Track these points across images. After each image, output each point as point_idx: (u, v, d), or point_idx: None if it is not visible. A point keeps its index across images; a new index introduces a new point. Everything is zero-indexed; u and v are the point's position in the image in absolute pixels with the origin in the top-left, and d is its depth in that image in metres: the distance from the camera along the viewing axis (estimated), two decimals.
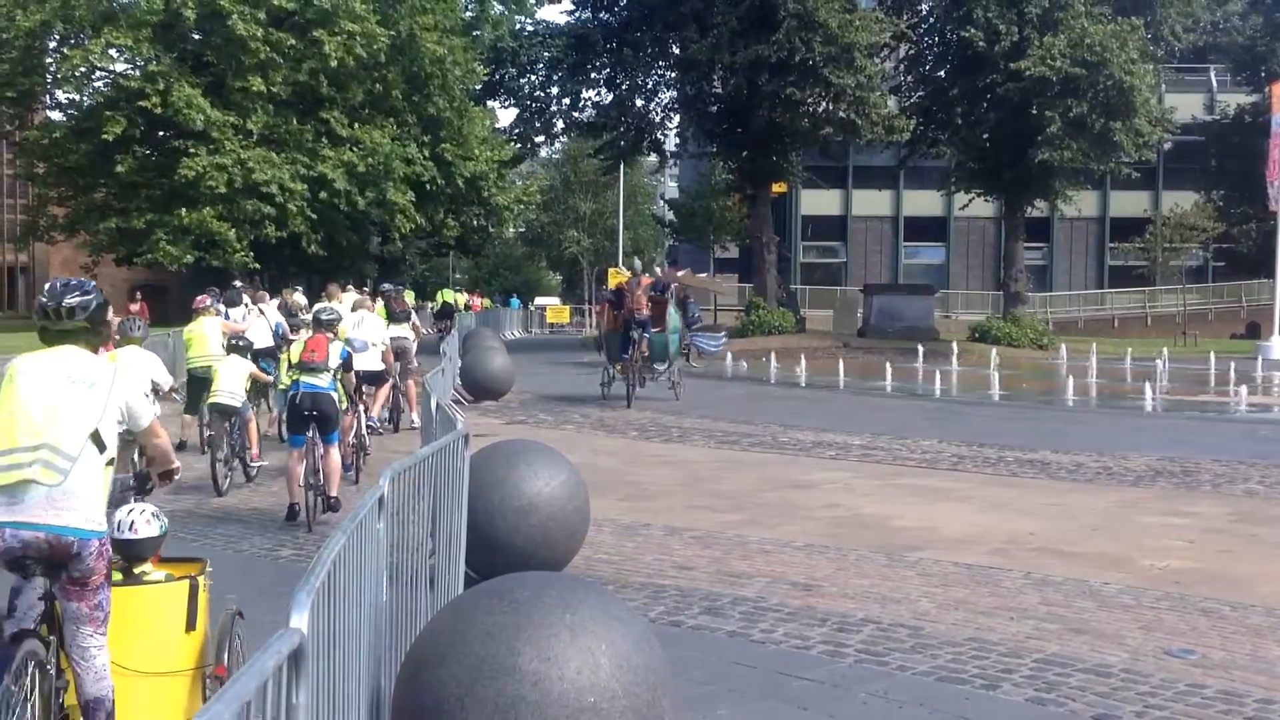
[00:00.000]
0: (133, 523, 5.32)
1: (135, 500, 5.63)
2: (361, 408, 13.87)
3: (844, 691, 6.44)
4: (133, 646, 5.06)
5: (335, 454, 11.26)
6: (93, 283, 5.24)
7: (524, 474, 8.27)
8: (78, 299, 5.00)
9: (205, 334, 15.35)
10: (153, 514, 5.44)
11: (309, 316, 13.94)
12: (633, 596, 8.25)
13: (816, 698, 6.36)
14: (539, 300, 73.83)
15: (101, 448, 4.81)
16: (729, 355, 31.66)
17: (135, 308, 17.94)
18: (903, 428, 18.87)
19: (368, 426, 14.37)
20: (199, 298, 16.69)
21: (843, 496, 12.82)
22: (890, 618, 7.85)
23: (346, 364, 11.64)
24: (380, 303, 19.16)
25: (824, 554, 9.89)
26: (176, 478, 5.84)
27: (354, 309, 16.57)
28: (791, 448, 16.86)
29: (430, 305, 50.72)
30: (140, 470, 6.87)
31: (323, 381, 11.09)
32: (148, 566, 5.46)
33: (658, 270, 23.13)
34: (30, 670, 4.52)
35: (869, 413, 21.78)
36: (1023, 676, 6.66)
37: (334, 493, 11.16)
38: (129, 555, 5.32)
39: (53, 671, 4.74)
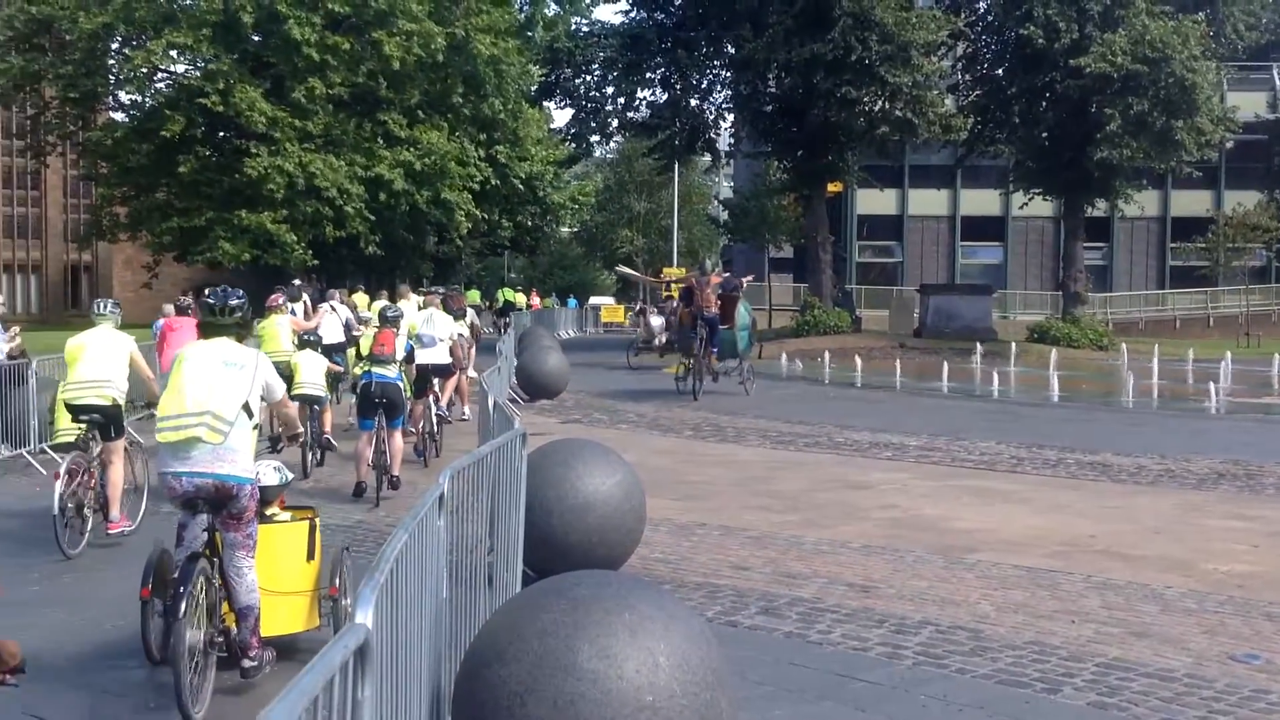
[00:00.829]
0: (259, 473, 6.60)
1: (268, 456, 7.29)
2: (432, 398, 14.90)
3: (902, 694, 6.40)
4: (266, 571, 6.54)
5: (399, 437, 12.34)
6: (241, 291, 6.82)
7: (580, 473, 8.29)
8: (235, 303, 6.69)
9: (277, 330, 16.08)
10: (275, 468, 7.01)
11: (368, 314, 15.07)
12: (689, 596, 8.25)
13: (874, 699, 6.33)
14: (594, 300, 73.92)
15: (250, 415, 6.34)
16: (783, 355, 31.60)
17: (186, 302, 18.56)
18: (960, 429, 18.73)
19: (438, 416, 15.23)
20: (272, 296, 17.46)
21: (900, 498, 12.75)
22: (949, 620, 7.79)
23: (409, 356, 13.21)
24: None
25: (881, 555, 9.84)
26: (300, 440, 8.36)
27: (422, 307, 17.39)
28: (847, 448, 16.78)
29: (493, 305, 51.91)
30: (273, 433, 8.82)
31: (390, 372, 12.17)
32: (275, 509, 7.07)
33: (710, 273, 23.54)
34: (201, 583, 6.05)
35: (926, 413, 21.64)
36: (1084, 681, 6.59)
37: (396, 472, 12.21)
38: (260, 499, 6.61)
39: (216, 584, 6.26)
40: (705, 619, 7.21)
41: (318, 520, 7.18)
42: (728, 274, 25.77)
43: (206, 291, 6.86)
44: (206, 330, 6.65)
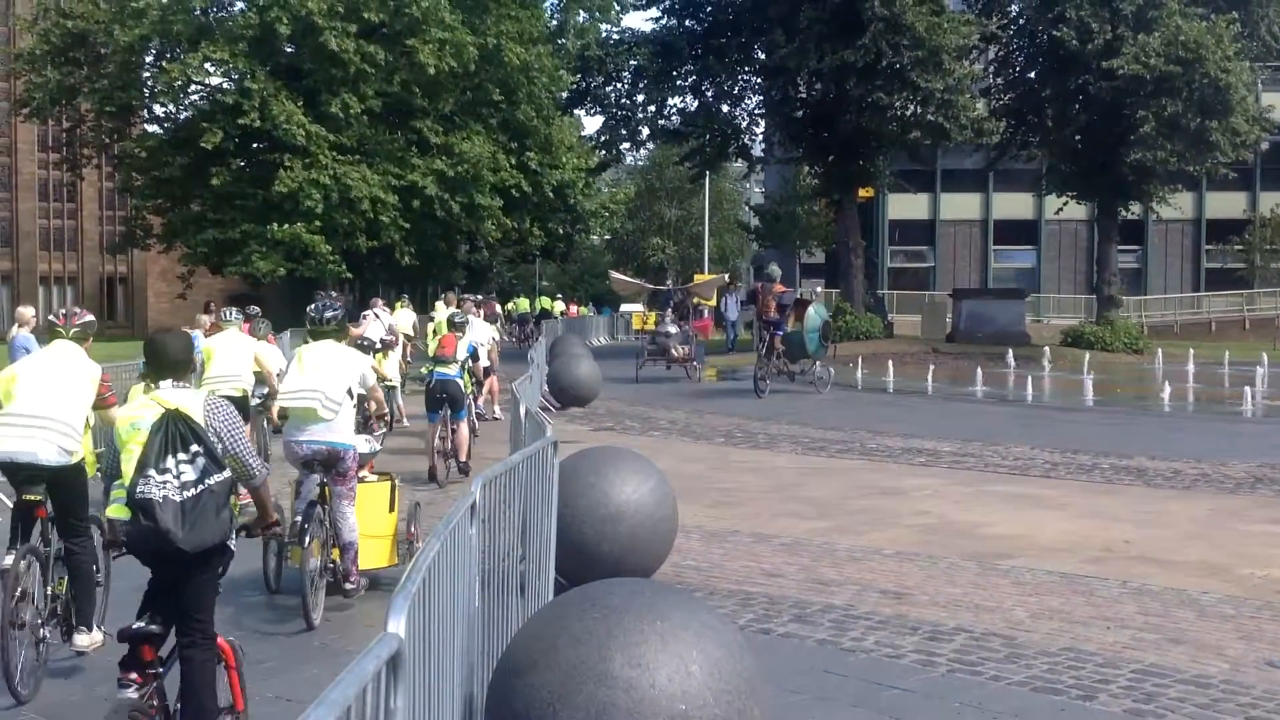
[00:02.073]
0: (357, 443, 8.61)
1: (359, 433, 8.93)
2: (470, 399, 15.93)
3: (937, 701, 6.38)
4: (360, 518, 8.50)
5: (464, 428, 14.08)
6: (336, 304, 9.07)
7: (612, 481, 8.30)
8: (332, 314, 8.85)
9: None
10: (367, 439, 9.05)
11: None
12: (721, 603, 8.25)
13: (909, 707, 6.31)
14: (625, 307, 74.04)
15: (351, 397, 8.48)
16: (816, 361, 31.47)
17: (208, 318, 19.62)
18: (994, 434, 18.63)
19: (476, 414, 16.73)
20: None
21: (933, 504, 12.70)
22: (983, 627, 7.76)
23: (473, 355, 15.18)
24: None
25: (914, 562, 9.81)
26: (385, 418, 10.41)
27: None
28: (880, 454, 16.73)
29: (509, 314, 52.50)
30: (366, 414, 10.34)
31: (452, 371, 14.00)
32: (365, 472, 8.96)
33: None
34: (315, 521, 8.19)
35: (959, 418, 21.54)
36: (1120, 687, 6.55)
37: (464, 458, 13.91)
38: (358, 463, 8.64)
39: (326, 524, 8.37)
40: (738, 627, 7.20)
41: (396, 481, 9.21)
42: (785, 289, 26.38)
43: (310, 307, 8.94)
44: (314, 334, 8.74)
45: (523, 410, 9.89)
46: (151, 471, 4.96)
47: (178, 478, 4.99)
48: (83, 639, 6.98)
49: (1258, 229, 53.48)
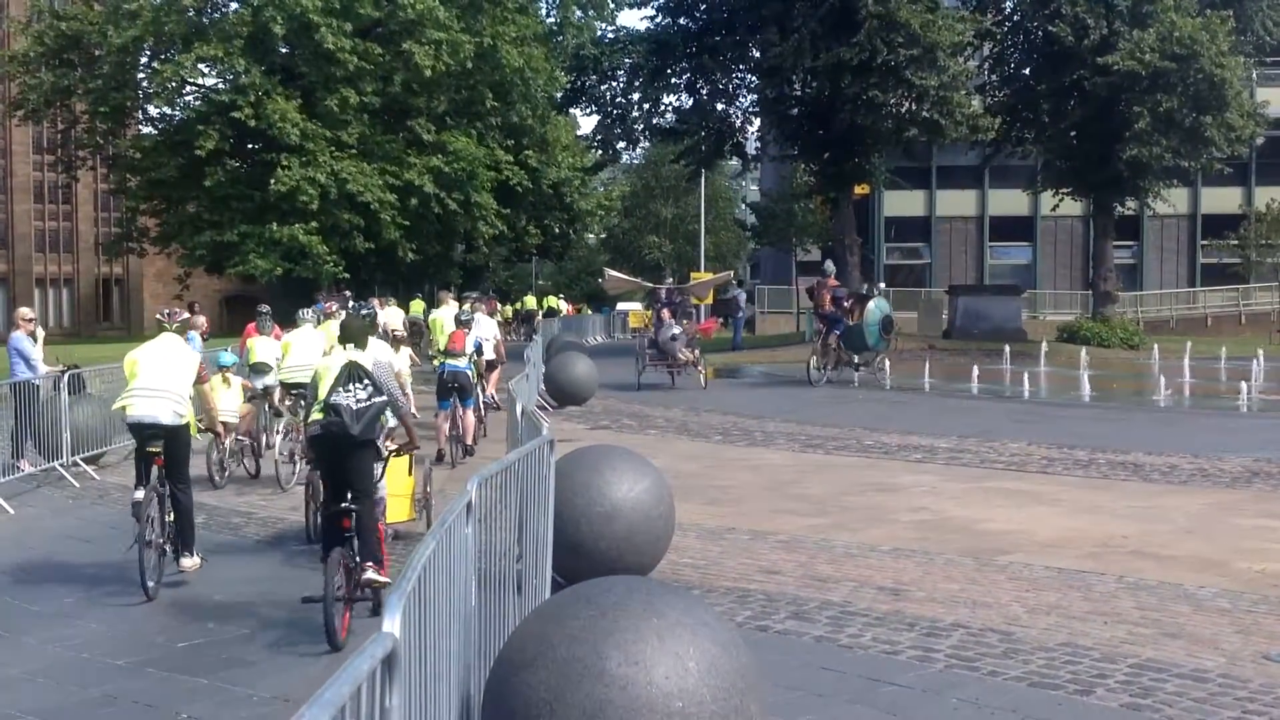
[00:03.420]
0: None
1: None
2: (478, 389, 17.13)
3: (934, 697, 6.38)
4: (388, 480, 9.29)
5: (471, 415, 15.62)
6: (366, 308, 13.88)
7: (609, 479, 8.30)
8: (366, 313, 12.70)
9: (334, 336, 17.59)
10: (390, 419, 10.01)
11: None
12: (719, 601, 8.25)
13: (906, 703, 6.31)
14: (621, 305, 74.04)
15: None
16: (813, 359, 31.47)
17: (196, 317, 21.14)
18: (990, 430, 18.63)
19: (485, 403, 17.85)
20: (327, 304, 20.75)
21: (930, 500, 12.70)
22: (980, 622, 7.77)
23: (479, 350, 16.48)
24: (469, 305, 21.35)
25: (911, 558, 9.81)
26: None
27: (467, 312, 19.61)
28: (876, 451, 16.73)
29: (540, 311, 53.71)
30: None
31: (461, 363, 15.39)
32: (388, 444, 9.55)
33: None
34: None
35: (955, 415, 21.55)
36: (1117, 682, 6.56)
37: (469, 441, 15.45)
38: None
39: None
40: (735, 624, 7.20)
41: (415, 454, 10.13)
42: (839, 284, 28.20)
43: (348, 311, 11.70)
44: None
45: (519, 409, 9.91)
46: (340, 389, 8.08)
47: (353, 395, 8.07)
48: (186, 561, 9.43)
49: (1253, 224, 53.53)
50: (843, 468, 15.26)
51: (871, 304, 26.16)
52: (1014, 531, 10.91)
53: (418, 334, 27.70)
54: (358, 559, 7.98)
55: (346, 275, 44.36)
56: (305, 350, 13.96)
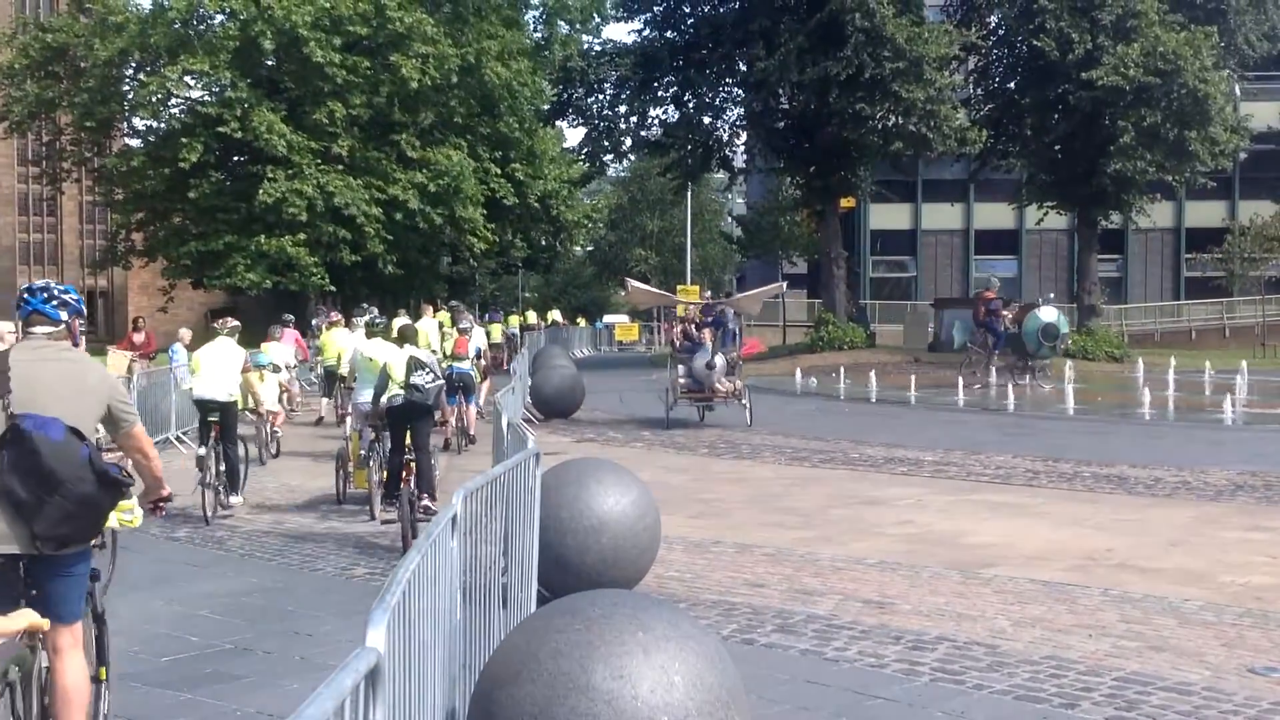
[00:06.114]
0: None
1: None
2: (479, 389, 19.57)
3: (919, 711, 6.38)
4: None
5: (473, 409, 18.56)
6: (376, 311, 19.08)
7: (595, 492, 8.29)
8: (379, 322, 14.93)
9: (335, 340, 20.90)
10: None
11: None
12: (704, 614, 8.23)
13: (892, 717, 6.31)
14: (607, 318, 74.06)
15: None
16: (798, 371, 31.54)
17: (139, 338, 23.03)
18: (976, 443, 18.67)
19: (477, 411, 19.38)
20: (331, 314, 23.74)
21: (915, 513, 12.72)
22: (966, 636, 7.77)
23: (479, 354, 19.16)
24: (448, 314, 22.68)
25: (897, 571, 9.82)
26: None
27: (451, 323, 21.31)
28: (862, 464, 16.75)
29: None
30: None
31: (465, 365, 18.16)
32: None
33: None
34: (374, 454, 12.36)
35: (941, 428, 21.59)
36: (1102, 695, 6.56)
37: (472, 432, 18.16)
38: None
39: (380, 454, 12.36)
40: (720, 637, 7.19)
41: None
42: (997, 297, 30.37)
43: (366, 319, 15.75)
44: (369, 335, 13.69)
45: (505, 422, 9.89)
46: (414, 377, 11.31)
47: (423, 379, 11.32)
48: (235, 499, 12.85)
49: (1236, 238, 53.80)
50: (829, 480, 15.27)
51: (1034, 312, 28.95)
52: (999, 544, 10.93)
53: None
54: (415, 491, 11.20)
55: (333, 288, 44.29)
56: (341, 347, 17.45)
